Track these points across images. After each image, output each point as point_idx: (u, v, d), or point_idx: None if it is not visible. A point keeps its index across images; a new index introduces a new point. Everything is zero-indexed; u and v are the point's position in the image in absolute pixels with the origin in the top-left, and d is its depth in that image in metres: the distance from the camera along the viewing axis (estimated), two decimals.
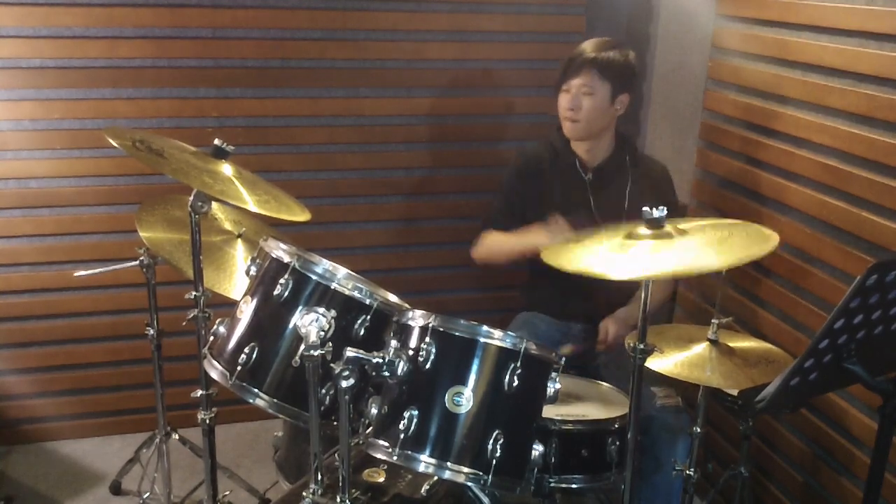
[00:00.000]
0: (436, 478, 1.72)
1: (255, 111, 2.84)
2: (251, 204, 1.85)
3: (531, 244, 2.19)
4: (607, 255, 1.59)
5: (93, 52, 2.66)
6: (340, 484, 1.51)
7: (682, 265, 1.53)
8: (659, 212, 1.59)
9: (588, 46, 2.29)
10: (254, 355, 1.64)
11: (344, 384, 1.42)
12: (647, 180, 2.39)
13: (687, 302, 2.82)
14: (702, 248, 1.55)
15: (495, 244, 2.42)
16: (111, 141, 1.81)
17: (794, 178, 2.27)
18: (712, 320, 1.92)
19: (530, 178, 2.42)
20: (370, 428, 1.58)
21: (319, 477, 1.55)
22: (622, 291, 2.34)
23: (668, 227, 1.60)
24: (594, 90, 2.27)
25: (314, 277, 1.64)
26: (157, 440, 2.43)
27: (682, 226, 1.62)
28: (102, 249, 2.81)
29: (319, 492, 1.55)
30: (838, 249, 2.11)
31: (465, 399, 1.51)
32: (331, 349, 1.45)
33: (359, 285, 1.65)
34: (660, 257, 1.54)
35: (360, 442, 1.61)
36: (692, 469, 2.04)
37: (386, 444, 1.53)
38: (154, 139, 1.97)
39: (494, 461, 1.51)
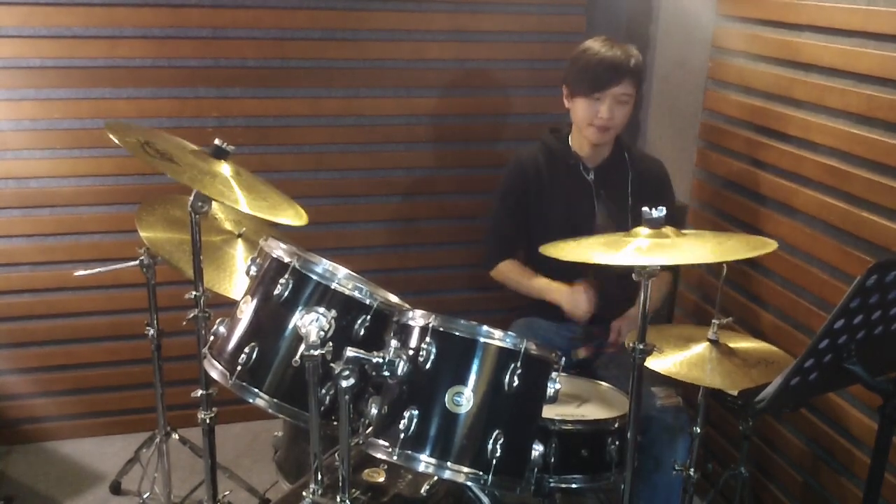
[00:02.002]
0: (436, 478, 1.73)
1: (255, 111, 2.84)
2: (247, 208, 1.85)
3: (548, 298, 2.33)
4: (605, 247, 1.62)
5: (93, 52, 2.66)
6: (340, 484, 1.52)
7: (679, 257, 1.56)
8: (658, 212, 1.60)
9: (619, 52, 2.21)
10: (254, 355, 1.64)
11: (344, 384, 1.42)
12: (648, 177, 2.40)
13: (687, 302, 2.82)
14: (699, 245, 1.57)
15: (513, 281, 2.46)
16: (114, 139, 1.80)
17: (793, 178, 2.27)
18: (712, 320, 1.92)
19: (529, 184, 2.41)
20: (370, 428, 1.58)
21: (319, 477, 1.55)
22: (622, 291, 2.34)
23: (666, 230, 1.61)
24: (629, 98, 2.25)
25: (314, 277, 1.64)
26: (157, 440, 2.43)
27: (684, 231, 1.65)
28: (102, 249, 2.81)
29: (319, 492, 1.55)
30: (838, 249, 2.11)
31: (465, 399, 1.51)
32: (331, 349, 1.45)
33: (359, 285, 1.65)
34: (658, 250, 1.56)
35: (360, 442, 1.61)
36: (692, 469, 2.04)
37: (386, 443, 1.53)
38: (157, 139, 1.97)
39: (494, 461, 1.51)
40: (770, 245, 1.57)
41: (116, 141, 1.81)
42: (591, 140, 2.32)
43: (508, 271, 2.47)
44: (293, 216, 1.99)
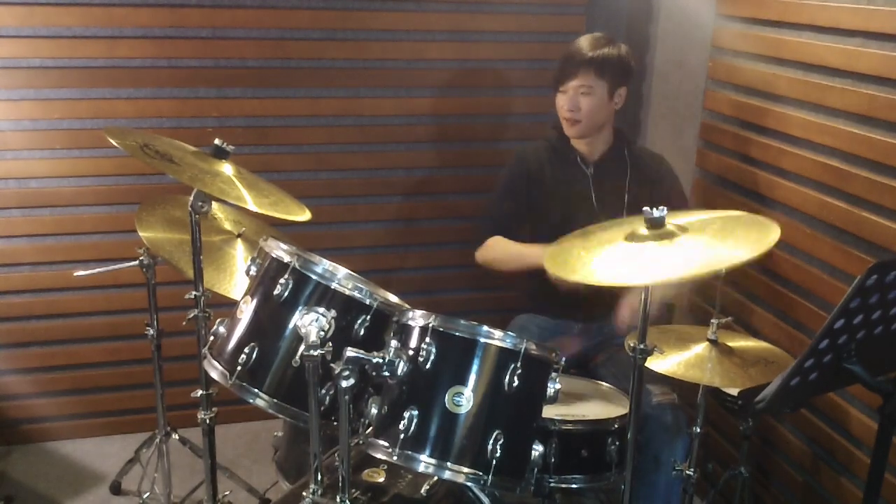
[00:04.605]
0: (436, 478, 1.72)
1: (255, 111, 2.84)
2: (253, 205, 1.85)
3: (537, 262, 2.19)
4: (610, 262, 1.56)
5: (93, 52, 2.66)
6: (340, 484, 1.51)
7: (686, 268, 1.47)
8: (659, 211, 1.58)
9: (582, 45, 2.30)
10: (254, 355, 1.64)
11: (344, 384, 1.42)
12: (646, 171, 2.41)
13: (686, 302, 2.82)
14: (704, 248, 1.52)
15: (501, 253, 2.42)
16: (113, 142, 1.80)
17: (794, 177, 2.27)
18: (712, 320, 1.92)
19: (531, 177, 2.43)
20: (370, 428, 1.58)
21: (319, 477, 1.55)
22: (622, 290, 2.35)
23: (668, 226, 1.59)
24: (592, 89, 2.28)
25: (314, 277, 1.64)
26: (157, 440, 2.43)
27: (682, 223, 1.61)
28: (102, 249, 2.81)
29: (319, 492, 1.55)
30: (838, 249, 2.11)
31: (465, 399, 1.51)
32: (331, 349, 1.45)
33: (359, 285, 1.65)
34: (664, 260, 1.51)
35: (360, 442, 1.61)
36: (692, 469, 2.03)
37: (386, 444, 1.53)
38: (156, 141, 1.97)
39: (494, 461, 1.51)
40: (773, 230, 1.49)
41: (116, 144, 1.81)
42: (567, 134, 2.36)
43: (491, 245, 2.44)
44: (297, 212, 1.99)
